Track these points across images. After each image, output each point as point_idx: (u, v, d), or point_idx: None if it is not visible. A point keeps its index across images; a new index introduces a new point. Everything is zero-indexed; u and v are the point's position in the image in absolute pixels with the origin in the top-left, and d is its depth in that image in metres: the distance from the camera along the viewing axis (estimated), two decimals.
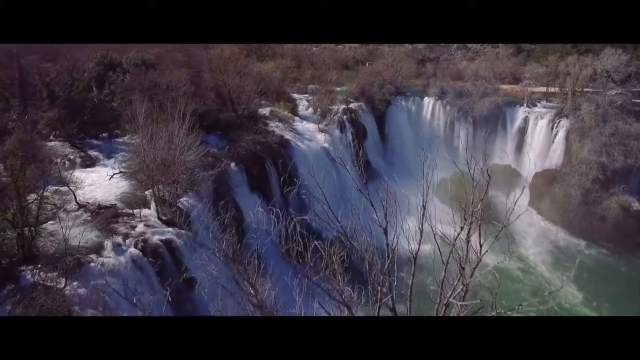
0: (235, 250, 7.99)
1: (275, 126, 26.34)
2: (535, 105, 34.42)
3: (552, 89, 37.10)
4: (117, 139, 22.61)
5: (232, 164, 21.68)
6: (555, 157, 29.99)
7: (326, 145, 28.08)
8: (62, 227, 11.92)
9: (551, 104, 35.07)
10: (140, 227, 14.33)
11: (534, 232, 25.84)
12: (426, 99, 37.64)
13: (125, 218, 14.55)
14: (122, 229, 14.00)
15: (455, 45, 52.14)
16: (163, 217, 15.19)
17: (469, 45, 52.07)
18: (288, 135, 25.73)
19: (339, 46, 50.14)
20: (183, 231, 15.14)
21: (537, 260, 23.69)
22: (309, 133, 28.42)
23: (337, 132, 30.51)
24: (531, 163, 31.64)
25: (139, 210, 15.18)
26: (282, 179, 24.32)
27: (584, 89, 32.23)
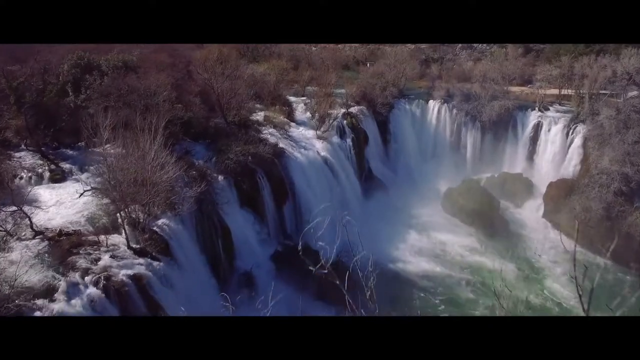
0: None
1: (269, 133, 24.25)
2: (548, 109, 32.38)
3: (565, 91, 35.04)
4: (94, 149, 20.60)
5: (220, 178, 19.65)
6: (572, 166, 27.96)
7: (324, 153, 26.08)
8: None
9: (565, 107, 33.07)
10: (105, 259, 12.21)
11: (556, 256, 23.66)
12: (431, 102, 35.60)
13: (88, 247, 12.47)
14: (83, 263, 11.80)
15: (459, 45, 50.25)
16: (134, 246, 13.15)
17: (475, 45, 50.20)
18: (283, 144, 23.63)
19: (338, 46, 48.22)
20: (156, 263, 13.12)
21: (565, 294, 21.24)
22: (306, 140, 26.35)
23: (336, 139, 28.47)
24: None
25: (106, 237, 13.13)
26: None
27: (600, 92, 30.28)
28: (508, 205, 29.20)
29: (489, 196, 27.89)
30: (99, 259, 12.22)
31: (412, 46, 45.04)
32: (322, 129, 29.80)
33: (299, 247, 10.00)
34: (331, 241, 10.93)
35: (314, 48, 46.11)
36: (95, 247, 12.74)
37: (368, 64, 43.35)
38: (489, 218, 26.73)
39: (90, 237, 12.98)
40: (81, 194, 16.26)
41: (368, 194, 29.49)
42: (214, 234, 17.70)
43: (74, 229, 13.19)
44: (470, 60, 43.21)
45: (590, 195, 24.86)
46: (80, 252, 12.29)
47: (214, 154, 21.25)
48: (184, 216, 16.00)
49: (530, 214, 28.82)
